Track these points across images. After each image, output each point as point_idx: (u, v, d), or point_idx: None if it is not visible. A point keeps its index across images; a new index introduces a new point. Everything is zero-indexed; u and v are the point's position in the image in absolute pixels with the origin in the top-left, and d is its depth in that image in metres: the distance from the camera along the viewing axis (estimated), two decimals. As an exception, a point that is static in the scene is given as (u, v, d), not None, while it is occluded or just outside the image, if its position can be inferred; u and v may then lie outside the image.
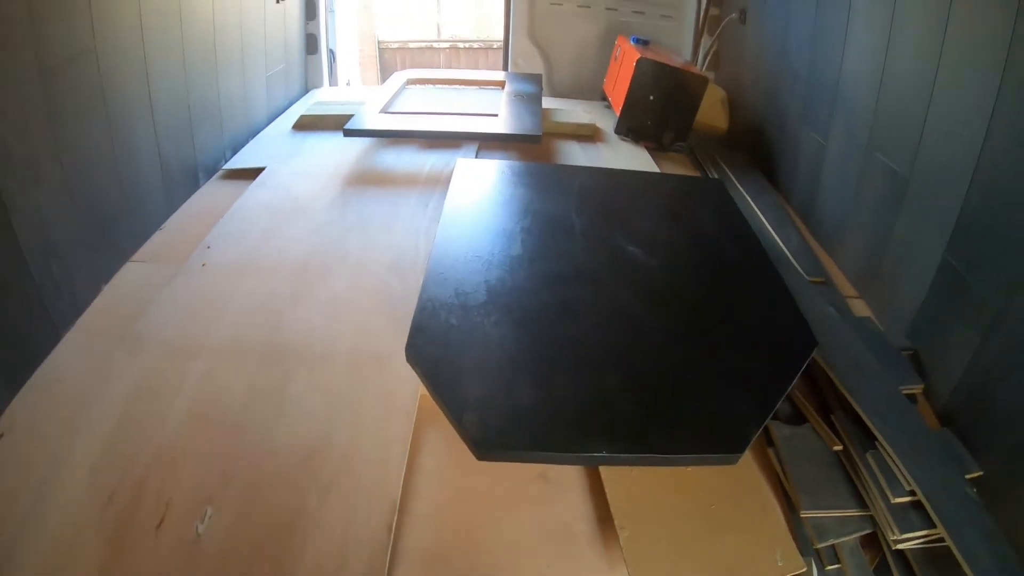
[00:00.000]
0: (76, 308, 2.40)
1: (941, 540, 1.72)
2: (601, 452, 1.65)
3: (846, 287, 2.89)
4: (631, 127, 4.13)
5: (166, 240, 2.91)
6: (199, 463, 1.84)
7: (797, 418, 2.14)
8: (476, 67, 10.62)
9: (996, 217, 2.08)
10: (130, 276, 2.66)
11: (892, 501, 1.79)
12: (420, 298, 2.10)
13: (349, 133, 3.55)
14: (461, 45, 11.22)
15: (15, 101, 2.11)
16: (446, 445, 1.94)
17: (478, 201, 2.84)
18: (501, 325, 2.04)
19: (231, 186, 3.40)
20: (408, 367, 1.93)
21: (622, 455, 1.67)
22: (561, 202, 2.81)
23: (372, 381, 2.11)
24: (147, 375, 2.11)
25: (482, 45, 11.09)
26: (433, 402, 1.82)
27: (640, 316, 2.16)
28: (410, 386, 2.06)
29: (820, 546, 1.79)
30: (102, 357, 2.17)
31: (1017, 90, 1.99)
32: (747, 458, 1.92)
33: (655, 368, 1.94)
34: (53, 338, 2.26)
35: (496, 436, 1.67)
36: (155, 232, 2.95)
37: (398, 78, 4.63)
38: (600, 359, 1.96)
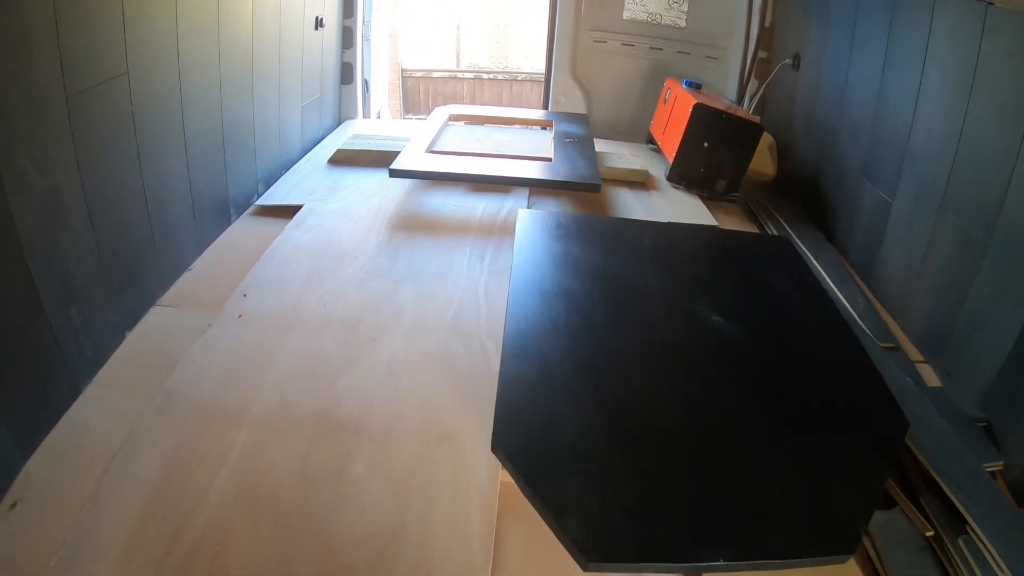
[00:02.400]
0: (98, 358, 2.22)
1: None
2: (719, 560, 1.52)
3: (911, 351, 2.77)
4: (683, 175, 4.00)
5: (196, 282, 2.74)
6: (251, 550, 1.63)
7: (886, 501, 2.04)
8: (500, 97, 10.67)
9: None
10: (157, 322, 2.48)
11: None
12: (501, 376, 1.93)
13: (396, 174, 3.40)
14: (485, 76, 11.23)
15: (38, 129, 1.93)
16: (530, 538, 1.74)
17: (547, 259, 2.69)
18: (593, 408, 1.88)
19: (265, 224, 3.24)
20: (486, 449, 1.77)
21: (739, 563, 1.54)
22: (633, 262, 2.69)
23: (444, 464, 1.91)
24: (183, 442, 1.91)
25: (507, 76, 11.11)
26: (514, 489, 1.68)
27: (733, 396, 2.03)
28: (488, 472, 1.87)
29: None
30: (129, 415, 1.99)
31: None
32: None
33: (756, 457, 1.82)
34: (72, 392, 2.08)
35: (606, 544, 1.52)
36: (184, 273, 2.78)
37: (439, 114, 4.52)
38: (700, 447, 1.83)
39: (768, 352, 2.27)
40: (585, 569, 1.48)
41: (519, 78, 10.76)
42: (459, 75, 11.37)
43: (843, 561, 1.60)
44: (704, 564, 1.53)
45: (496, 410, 1.81)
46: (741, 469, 1.77)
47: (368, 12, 5.12)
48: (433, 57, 12.23)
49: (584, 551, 1.46)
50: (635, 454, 1.76)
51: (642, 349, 2.18)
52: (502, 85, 10.96)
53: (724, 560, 1.50)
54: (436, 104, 7.42)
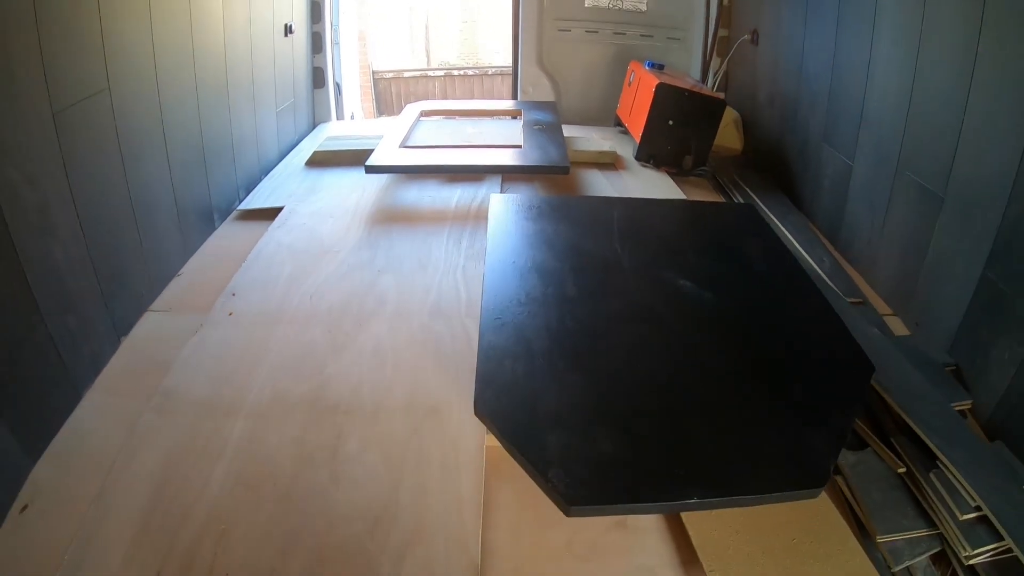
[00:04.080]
0: (95, 364, 2.29)
1: (1010, 552, 1.74)
2: (692, 499, 1.60)
3: (880, 305, 2.88)
4: (651, 153, 4.10)
5: (185, 287, 2.81)
6: (253, 534, 1.71)
7: (858, 443, 2.14)
8: (472, 94, 10.67)
9: None
10: (150, 327, 2.54)
11: (960, 518, 1.80)
12: (480, 346, 2.02)
13: (371, 170, 3.48)
14: (455, 72, 11.22)
15: (27, 145, 2.00)
16: (518, 498, 1.85)
17: (520, 239, 2.77)
18: (570, 371, 1.97)
19: (248, 227, 3.31)
20: (470, 418, 1.86)
21: (712, 499, 1.63)
22: (603, 237, 2.76)
23: (432, 436, 2.00)
24: (182, 437, 1.98)
25: (476, 72, 11.11)
26: (499, 454, 1.76)
27: (704, 352, 2.12)
28: (474, 439, 1.97)
29: (897, 569, 1.80)
30: (129, 418, 2.05)
31: None
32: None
33: (727, 405, 1.91)
34: (73, 398, 2.14)
35: (585, 490, 1.60)
36: (173, 279, 2.84)
37: (411, 111, 4.58)
38: (674, 400, 1.91)
39: (735, 311, 2.36)
40: (568, 514, 1.56)
41: (489, 72, 10.78)
42: (429, 74, 11.37)
43: (814, 496, 1.68)
44: (679, 502, 1.62)
45: (477, 377, 1.89)
46: (712, 416, 1.85)
47: (336, 17, 5.17)
48: (404, 58, 12.22)
49: (566, 497, 1.55)
50: (610, 409, 1.84)
51: (614, 315, 2.27)
52: (473, 81, 10.96)
53: (698, 498, 1.58)
54: (408, 104, 7.47)
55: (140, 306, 2.62)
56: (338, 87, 5.26)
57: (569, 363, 2.00)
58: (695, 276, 2.49)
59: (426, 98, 9.75)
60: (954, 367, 2.42)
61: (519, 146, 3.79)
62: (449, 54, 12.68)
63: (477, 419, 1.84)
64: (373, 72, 10.62)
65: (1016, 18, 2.15)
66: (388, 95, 10.63)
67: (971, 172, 2.39)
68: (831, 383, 2.00)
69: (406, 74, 11.17)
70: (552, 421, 1.78)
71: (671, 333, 2.20)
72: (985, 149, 2.31)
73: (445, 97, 10.67)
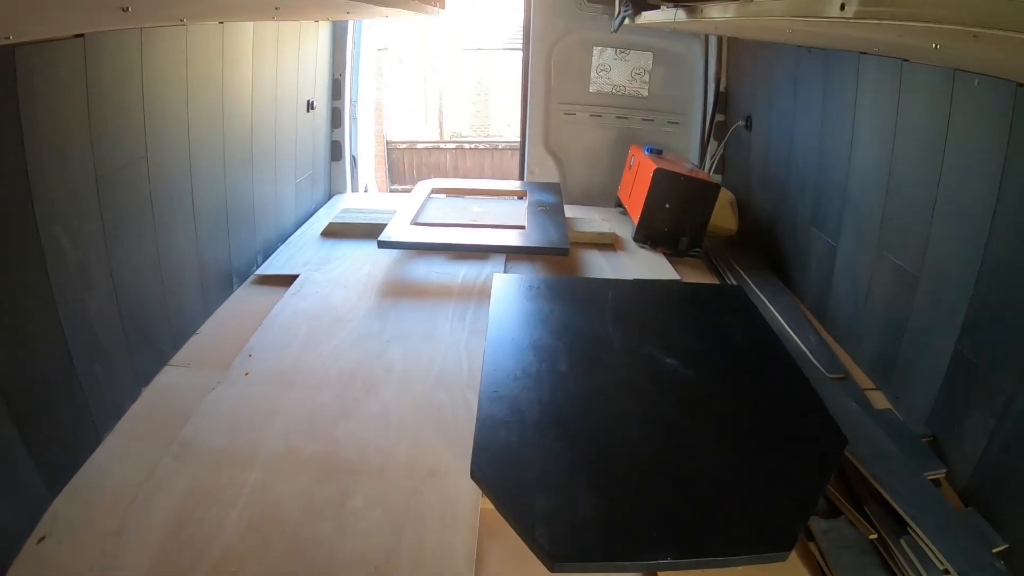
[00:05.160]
0: (117, 411, 2.45)
1: None
2: (666, 559, 1.73)
3: (863, 380, 2.99)
4: (648, 234, 4.29)
5: (204, 345, 2.99)
6: (263, 573, 1.86)
7: (832, 511, 2.22)
8: (482, 166, 10.94)
9: (1004, 308, 2.22)
10: (169, 380, 2.71)
11: None
12: (479, 416, 2.18)
13: (384, 245, 3.68)
14: (467, 146, 11.51)
15: (73, 207, 2.21)
16: (508, 556, 1.98)
17: (519, 317, 2.95)
18: (558, 440, 2.13)
19: (264, 292, 3.50)
20: (467, 482, 2.00)
21: (685, 560, 1.75)
22: (597, 316, 2.94)
23: (432, 495, 2.15)
24: (198, 483, 2.14)
25: (487, 146, 11.42)
26: (492, 516, 1.90)
27: (683, 425, 2.26)
28: (470, 501, 2.12)
29: None
30: (146, 462, 2.21)
31: (1016, 188, 2.15)
32: (792, 554, 1.95)
33: (702, 474, 2.04)
34: (94, 441, 2.30)
35: (568, 549, 1.74)
36: (192, 336, 3.02)
37: (423, 188, 4.80)
38: (652, 468, 2.06)
39: (717, 387, 2.51)
40: (552, 570, 1.70)
41: (499, 147, 11.10)
42: (442, 146, 11.68)
43: (783, 559, 1.77)
44: (654, 562, 1.75)
45: (474, 444, 2.05)
46: (689, 483, 1.99)
47: (355, 93, 5.44)
48: (418, 127, 12.52)
49: (550, 555, 1.69)
50: (594, 476, 1.99)
51: (602, 389, 2.44)
52: (484, 154, 11.26)
53: (672, 558, 1.72)
54: (420, 174, 7.61)
55: (161, 360, 2.79)
56: (354, 160, 5.49)
57: (558, 433, 2.16)
58: (680, 354, 2.64)
59: (437, 169, 10.01)
60: (931, 438, 2.51)
61: (523, 227, 3.99)
62: (461, 124, 12.98)
63: (473, 481, 1.99)
64: (387, 142, 10.89)
65: (979, 112, 2.32)
66: (401, 165, 10.89)
67: (943, 252, 2.53)
68: (803, 454, 2.12)
69: (419, 145, 11.47)
70: (540, 484, 1.93)
71: (653, 406, 2.35)
72: (955, 231, 2.46)
73: (456, 168, 10.96)
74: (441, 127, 12.88)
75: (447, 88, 13.35)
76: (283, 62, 4.08)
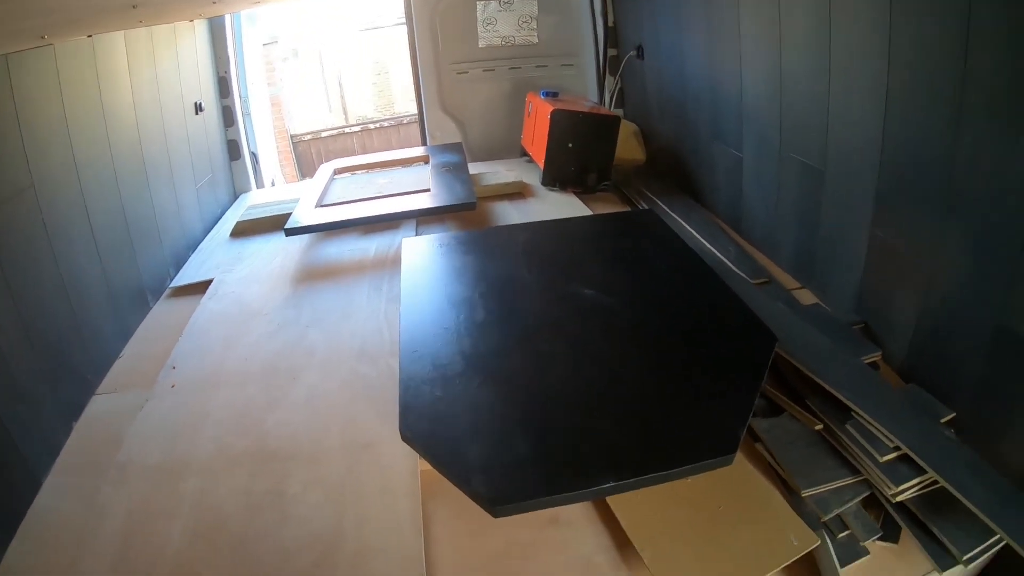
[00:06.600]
0: (51, 450, 2.38)
1: (935, 483, 1.86)
2: (608, 483, 1.73)
3: (788, 281, 3.08)
4: (556, 176, 4.31)
5: (128, 367, 2.90)
6: (216, 576, 1.83)
7: (774, 411, 2.28)
8: (390, 144, 10.71)
9: (912, 183, 2.28)
10: (99, 408, 2.64)
11: (881, 460, 1.92)
12: (401, 378, 2.16)
13: (291, 232, 3.61)
14: (372, 126, 11.33)
15: None
16: (455, 513, 1.99)
17: (432, 276, 2.93)
18: (485, 387, 2.13)
19: (182, 303, 3.42)
20: (403, 448, 2.00)
21: (627, 481, 1.75)
22: (511, 262, 2.94)
23: (369, 469, 2.14)
24: (139, 503, 2.11)
25: (392, 123, 11.24)
26: (433, 477, 1.89)
27: (611, 354, 2.27)
28: (408, 466, 2.12)
29: (827, 518, 1.91)
30: (88, 494, 2.16)
31: (905, 56, 2.20)
32: (739, 457, 1.99)
33: (636, 398, 2.04)
34: (34, 485, 2.23)
35: (506, 490, 1.73)
36: (115, 361, 2.93)
37: (325, 170, 4.71)
38: (584, 401, 2.05)
39: (641, 312, 2.52)
40: (495, 515, 1.69)
41: (405, 122, 10.90)
42: (346, 130, 11.50)
43: (727, 463, 1.77)
44: (595, 488, 1.74)
45: (400, 405, 2.03)
46: (623, 409, 1.99)
47: (244, 89, 5.28)
48: (322, 117, 12.28)
49: (489, 500, 1.69)
50: (526, 417, 2.00)
51: (525, 332, 2.43)
52: (390, 132, 11.09)
53: (613, 481, 1.72)
54: (322, 164, 7.49)
55: (87, 389, 2.71)
56: (255, 156, 5.36)
57: (484, 380, 2.15)
58: (599, 285, 2.65)
59: (345, 154, 9.82)
60: (863, 324, 2.59)
61: (428, 190, 3.95)
62: (366, 107, 12.78)
63: (407, 446, 1.97)
64: (291, 136, 10.72)
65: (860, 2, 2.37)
66: (308, 156, 10.69)
67: (844, 140, 2.60)
68: (735, 360, 2.14)
69: (323, 134, 11.28)
70: (472, 434, 1.93)
71: (578, 341, 2.35)
72: (853, 115, 2.52)
73: (364, 151, 10.63)
74: (346, 112, 12.64)
75: (347, 72, 13.12)
76: (163, 67, 3.94)
